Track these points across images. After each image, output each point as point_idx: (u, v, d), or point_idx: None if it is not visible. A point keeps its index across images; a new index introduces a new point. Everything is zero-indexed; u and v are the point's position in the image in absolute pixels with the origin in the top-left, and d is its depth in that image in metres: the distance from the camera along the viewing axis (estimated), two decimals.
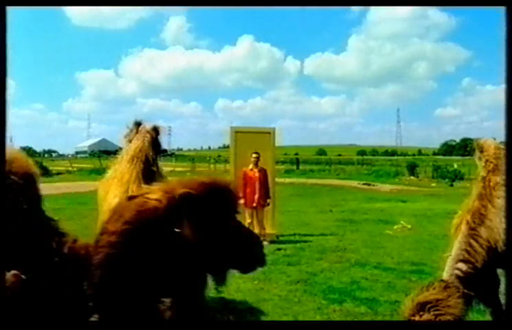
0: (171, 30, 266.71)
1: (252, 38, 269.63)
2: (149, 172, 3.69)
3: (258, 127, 10.44)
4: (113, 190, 3.62)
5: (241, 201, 7.60)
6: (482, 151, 3.22)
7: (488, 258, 2.95)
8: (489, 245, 2.94)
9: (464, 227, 3.05)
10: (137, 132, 3.94)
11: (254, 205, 7.89)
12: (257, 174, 7.98)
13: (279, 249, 7.44)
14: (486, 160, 3.14)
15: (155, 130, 3.89)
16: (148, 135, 3.83)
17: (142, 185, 3.52)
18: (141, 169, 3.65)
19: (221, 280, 1.83)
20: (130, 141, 3.93)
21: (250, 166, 8.03)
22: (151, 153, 3.77)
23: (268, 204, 8.17)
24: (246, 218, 7.93)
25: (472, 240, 3.00)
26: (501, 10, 1.92)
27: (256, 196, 7.87)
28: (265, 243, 7.80)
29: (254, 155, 8.01)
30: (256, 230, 7.95)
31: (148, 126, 3.98)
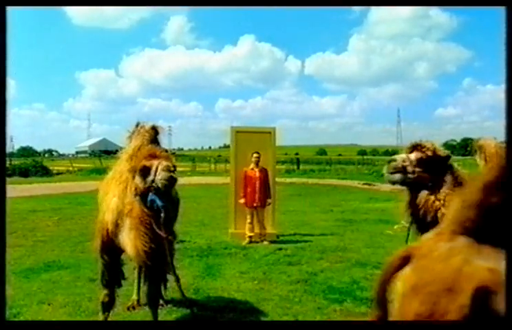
0: (171, 30, 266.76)
1: (253, 38, 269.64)
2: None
3: (258, 127, 10.42)
4: (113, 189, 3.62)
5: (242, 201, 8.03)
6: (482, 151, 3.21)
7: None
8: None
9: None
10: (137, 133, 3.95)
11: (255, 204, 7.96)
12: (257, 174, 7.99)
13: (280, 249, 7.43)
14: (487, 160, 3.13)
15: (154, 129, 3.88)
16: (147, 134, 3.82)
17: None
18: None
19: None
20: (131, 142, 3.94)
21: (251, 166, 8.03)
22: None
23: (269, 204, 8.18)
24: (246, 218, 8.03)
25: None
26: (501, 10, 1.92)
27: (256, 196, 7.93)
28: (265, 242, 7.79)
29: (255, 155, 8.02)
30: (256, 230, 8.03)
31: (147, 125, 3.98)
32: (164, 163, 3.31)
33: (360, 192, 20.07)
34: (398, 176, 3.11)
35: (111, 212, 3.52)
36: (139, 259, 3.42)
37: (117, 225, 3.49)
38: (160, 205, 3.30)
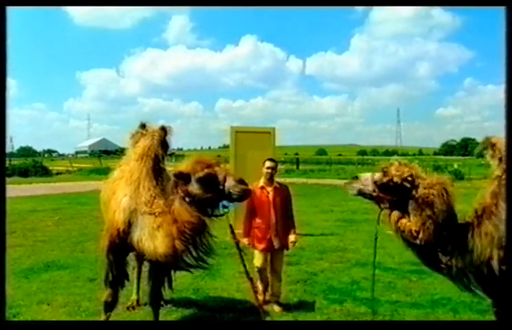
0: (173, 30, 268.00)
1: (255, 38, 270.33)
2: (159, 170, 3.70)
3: (258, 127, 10.43)
4: (122, 189, 3.64)
5: (246, 241, 4.70)
6: (495, 149, 3.18)
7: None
8: (490, 241, 2.94)
9: (472, 216, 3.07)
10: (143, 133, 3.96)
11: (268, 246, 4.68)
12: (271, 196, 4.71)
13: None
14: (501, 158, 3.10)
15: (164, 130, 3.90)
16: (156, 134, 3.84)
17: (153, 182, 3.55)
18: (150, 166, 3.67)
19: None
20: (136, 142, 3.94)
21: (262, 182, 4.76)
22: (160, 151, 3.78)
23: (294, 244, 4.80)
24: (254, 266, 4.73)
25: (476, 228, 3.02)
26: (502, 10, 1.92)
27: (271, 233, 4.65)
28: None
29: (268, 164, 4.76)
30: (271, 289, 4.83)
31: (156, 126, 4.00)
32: (236, 177, 3.58)
33: None
34: (355, 189, 3.37)
35: (123, 211, 3.53)
36: (170, 260, 3.44)
37: (129, 225, 3.51)
38: (232, 208, 3.64)
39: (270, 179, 4.75)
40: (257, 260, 4.70)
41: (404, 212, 3.13)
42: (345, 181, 3.51)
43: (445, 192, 3.06)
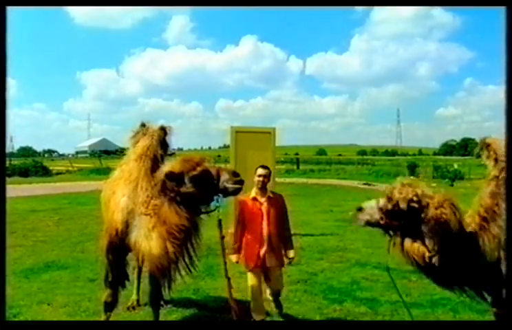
0: (173, 30, 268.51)
1: (255, 38, 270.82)
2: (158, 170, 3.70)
3: (258, 127, 10.42)
4: (121, 189, 3.64)
5: (234, 258, 4.24)
6: (490, 150, 3.17)
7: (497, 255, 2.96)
8: (498, 243, 2.95)
9: (476, 221, 3.05)
10: (143, 133, 3.95)
11: (259, 263, 4.15)
12: (264, 207, 4.18)
13: None
14: (496, 159, 3.10)
15: (163, 130, 3.90)
16: (156, 134, 3.84)
17: (151, 182, 3.54)
18: (149, 166, 3.66)
19: None
20: (136, 142, 3.94)
21: (253, 192, 4.24)
22: (159, 151, 3.78)
23: (291, 261, 4.43)
24: (248, 284, 4.25)
25: (483, 234, 3.01)
26: (502, 11, 1.92)
27: (263, 249, 4.13)
28: None
29: (260, 172, 4.24)
30: (268, 307, 4.43)
31: (155, 126, 3.99)
32: (229, 170, 3.66)
33: (360, 192, 20.05)
34: (362, 221, 3.25)
35: (121, 212, 3.53)
36: (164, 261, 3.40)
37: (127, 225, 3.51)
38: (223, 204, 3.60)
39: (263, 189, 4.21)
40: (250, 280, 4.15)
41: (415, 235, 3.02)
42: (351, 213, 3.37)
43: (455, 208, 2.95)
